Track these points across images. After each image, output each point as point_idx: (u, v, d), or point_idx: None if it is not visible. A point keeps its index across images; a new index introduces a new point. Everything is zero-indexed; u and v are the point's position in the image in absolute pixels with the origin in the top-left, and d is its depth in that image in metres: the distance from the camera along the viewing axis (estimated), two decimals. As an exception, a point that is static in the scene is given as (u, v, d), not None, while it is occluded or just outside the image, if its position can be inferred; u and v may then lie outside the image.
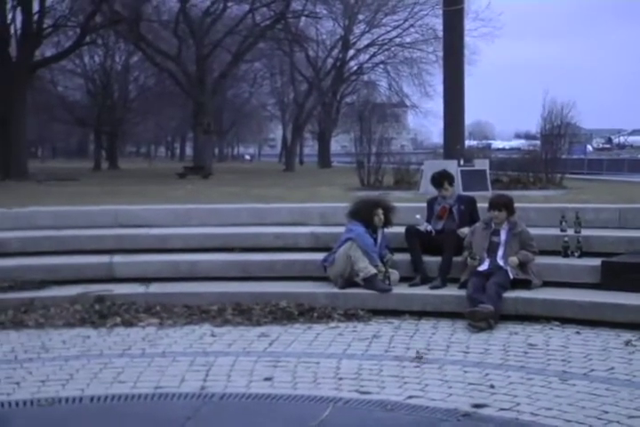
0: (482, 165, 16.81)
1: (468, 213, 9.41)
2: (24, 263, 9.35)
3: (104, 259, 9.57)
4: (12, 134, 29.65)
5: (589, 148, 68.16)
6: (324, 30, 49.55)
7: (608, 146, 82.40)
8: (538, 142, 24.16)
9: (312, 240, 9.91)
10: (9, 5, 31.74)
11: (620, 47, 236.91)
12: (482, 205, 9.29)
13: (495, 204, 8.67)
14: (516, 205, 8.87)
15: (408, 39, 49.24)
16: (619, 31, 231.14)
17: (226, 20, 39.07)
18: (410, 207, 10.20)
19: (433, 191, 9.94)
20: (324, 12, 44.44)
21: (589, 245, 8.97)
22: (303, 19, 42.82)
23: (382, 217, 9.02)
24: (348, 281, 8.67)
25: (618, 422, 5.06)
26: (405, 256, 9.03)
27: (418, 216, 9.44)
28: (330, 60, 50.14)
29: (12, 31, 32.41)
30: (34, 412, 5.54)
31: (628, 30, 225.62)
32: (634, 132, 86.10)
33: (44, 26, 32.20)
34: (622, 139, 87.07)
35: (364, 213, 9.03)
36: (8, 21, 31.77)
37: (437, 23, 38.52)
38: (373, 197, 9.67)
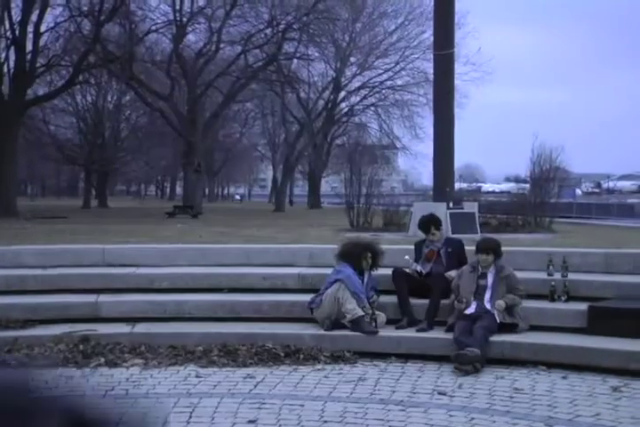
0: (471, 207, 16.89)
1: (456, 256, 9.41)
2: (8, 302, 9.27)
3: (90, 298, 9.51)
4: (2, 172, 29.67)
5: (578, 192, 68.54)
6: (316, 72, 50.08)
7: (597, 190, 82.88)
8: (527, 186, 24.31)
9: (300, 281, 9.88)
10: (2, 44, 32.01)
11: (609, 93, 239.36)
12: (470, 248, 9.30)
13: (483, 247, 8.70)
14: (503, 248, 8.89)
15: (399, 82, 49.81)
16: (607, 78, 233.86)
17: (218, 61, 39.45)
18: (398, 249, 10.20)
19: (422, 234, 9.94)
20: (316, 54, 44.89)
21: (576, 289, 8.97)
22: (295, 61, 43.24)
23: (370, 261, 9.03)
24: (335, 323, 8.64)
25: (603, 468, 5.03)
26: (392, 298, 9.01)
27: (407, 257, 9.45)
28: (321, 102, 50.56)
29: (5, 70, 32.62)
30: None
31: (616, 77, 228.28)
32: (622, 178, 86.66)
33: (37, 65, 32.40)
34: (611, 183, 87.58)
35: (352, 256, 9.03)
36: (1, 60, 32.00)
37: (428, 67, 38.97)
38: (363, 241, 9.65)
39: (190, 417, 6.15)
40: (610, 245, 11.69)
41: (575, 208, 38.25)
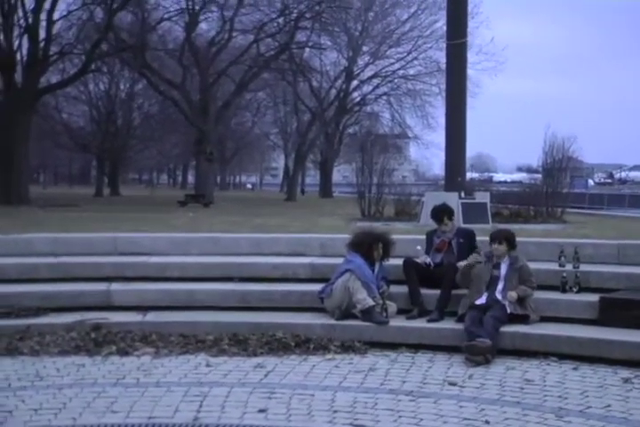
0: (483, 197, 16.85)
1: (468, 246, 9.39)
2: (21, 290, 9.32)
3: (102, 286, 9.54)
4: (15, 160, 29.73)
5: (591, 182, 68.41)
6: (328, 61, 49.97)
7: (609, 180, 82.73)
8: (539, 176, 24.21)
9: (310, 271, 9.89)
10: (16, 33, 31.99)
11: (622, 83, 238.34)
12: (482, 239, 9.29)
13: (495, 237, 8.69)
14: (516, 239, 8.85)
15: (411, 71, 49.63)
16: (620, 68, 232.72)
17: (230, 50, 39.37)
18: (409, 239, 10.19)
19: (433, 223, 9.91)
20: (329, 43, 44.77)
21: (588, 280, 8.94)
22: (307, 49, 43.13)
23: (381, 251, 9.02)
24: (346, 313, 8.64)
25: (613, 460, 5.02)
26: (403, 288, 9.00)
27: (418, 247, 9.43)
28: (333, 91, 50.42)
29: (19, 58, 32.61)
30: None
31: (629, 67, 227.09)
32: (635, 168, 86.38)
33: (50, 53, 32.39)
34: (623, 174, 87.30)
35: (364, 246, 9.02)
36: (15, 48, 31.99)
37: (441, 56, 38.81)
38: (375, 231, 9.61)
39: (201, 406, 6.16)
40: (622, 236, 11.64)
41: (587, 198, 38.16)
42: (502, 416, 5.93)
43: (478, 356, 7.53)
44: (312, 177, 79.81)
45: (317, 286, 9.00)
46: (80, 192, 50.63)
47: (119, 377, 7.06)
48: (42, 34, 31.53)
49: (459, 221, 13.09)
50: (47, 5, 31.51)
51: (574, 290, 8.85)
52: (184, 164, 78.84)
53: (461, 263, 8.94)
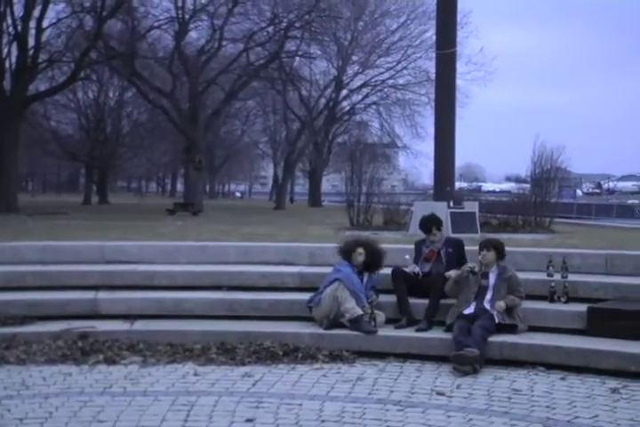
0: (471, 207, 16.88)
1: (456, 256, 9.39)
2: (7, 298, 9.26)
3: (89, 295, 9.50)
4: (3, 168, 29.65)
5: (579, 192, 68.67)
6: (318, 70, 50.09)
7: (597, 191, 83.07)
8: (528, 186, 24.29)
9: (299, 280, 9.86)
10: (5, 40, 31.97)
11: (610, 94, 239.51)
12: (471, 248, 9.29)
13: (484, 245, 8.70)
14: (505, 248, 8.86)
15: (401, 81, 49.80)
16: (609, 79, 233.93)
17: (220, 59, 39.42)
18: (398, 249, 10.17)
19: (422, 233, 9.90)
20: (318, 52, 44.89)
21: (576, 290, 8.94)
22: (297, 59, 43.22)
23: (363, 256, 8.99)
24: (334, 322, 8.62)
25: (601, 471, 5.01)
26: (392, 298, 8.99)
27: (407, 257, 9.43)
28: (322, 100, 50.52)
29: (7, 65, 32.57)
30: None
31: (616, 78, 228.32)
32: (623, 178, 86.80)
33: (39, 61, 32.37)
34: (611, 184, 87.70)
35: (347, 253, 9.04)
36: (3, 56, 31.96)
37: (430, 66, 38.99)
38: (355, 237, 9.66)
39: (188, 415, 6.13)
40: (610, 246, 11.67)
41: (576, 208, 38.23)
42: (490, 426, 5.92)
43: (466, 366, 7.52)
44: (301, 186, 79.94)
45: (306, 295, 8.99)
46: (68, 200, 50.51)
47: (106, 386, 7.02)
48: (31, 41, 31.54)
49: (447, 230, 13.10)
50: (36, 13, 31.53)
51: (562, 300, 8.86)
52: (173, 172, 78.82)
53: (450, 273, 8.94)
